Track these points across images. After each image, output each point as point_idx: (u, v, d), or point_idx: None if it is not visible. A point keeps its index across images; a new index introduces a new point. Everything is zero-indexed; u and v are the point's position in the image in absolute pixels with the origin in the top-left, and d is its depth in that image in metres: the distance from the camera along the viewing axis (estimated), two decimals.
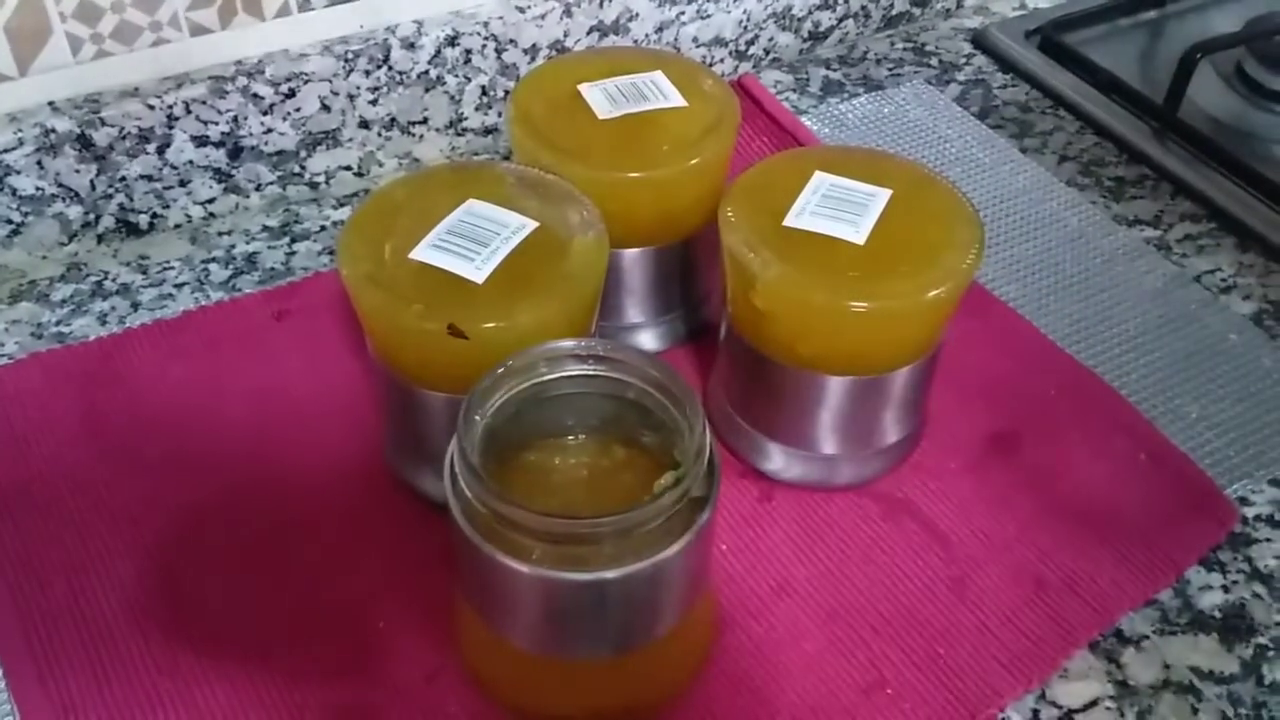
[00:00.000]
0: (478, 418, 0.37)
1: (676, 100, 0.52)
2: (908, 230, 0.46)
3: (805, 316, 0.44)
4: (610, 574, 0.36)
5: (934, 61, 0.76)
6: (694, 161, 0.49)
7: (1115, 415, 0.53)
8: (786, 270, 0.44)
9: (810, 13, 0.75)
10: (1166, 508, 0.49)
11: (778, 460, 0.49)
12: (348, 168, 0.64)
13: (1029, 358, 0.56)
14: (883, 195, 0.47)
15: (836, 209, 0.46)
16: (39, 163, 0.55)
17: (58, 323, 0.55)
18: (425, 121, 0.65)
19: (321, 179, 0.64)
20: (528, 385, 0.39)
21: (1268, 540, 0.49)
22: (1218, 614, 0.46)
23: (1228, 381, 0.55)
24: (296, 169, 0.63)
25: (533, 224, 0.44)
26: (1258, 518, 0.49)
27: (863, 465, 0.49)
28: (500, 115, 0.68)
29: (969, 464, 0.51)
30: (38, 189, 0.56)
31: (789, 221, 0.46)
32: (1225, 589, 0.47)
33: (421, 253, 0.43)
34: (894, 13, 0.79)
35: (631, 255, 0.51)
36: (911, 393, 0.48)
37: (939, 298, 0.44)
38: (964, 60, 0.76)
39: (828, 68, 0.75)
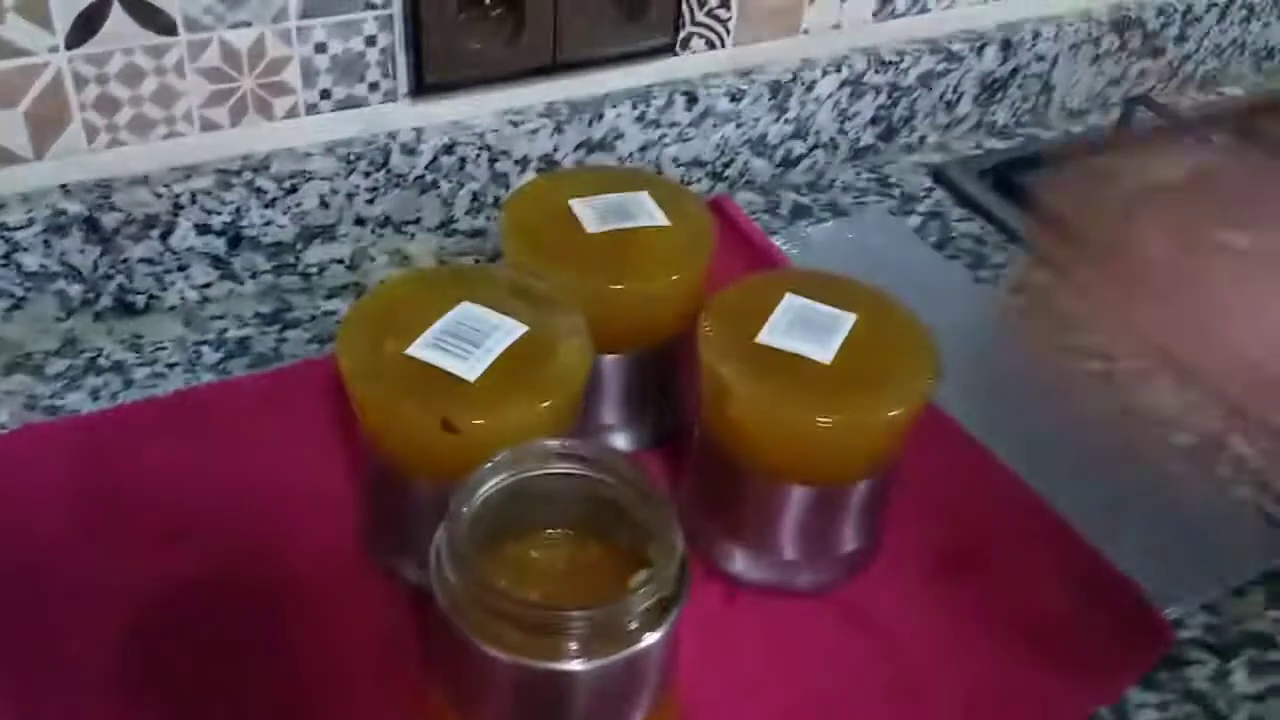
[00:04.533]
0: (466, 509, 0.39)
1: (660, 219, 0.55)
2: (870, 352, 0.49)
3: (774, 428, 0.47)
4: (582, 666, 0.38)
5: (896, 193, 0.81)
6: (674, 277, 0.53)
7: (1059, 538, 0.55)
8: (758, 385, 0.47)
9: (783, 141, 0.80)
10: (1107, 628, 0.51)
11: (741, 563, 0.52)
12: (340, 261, 0.67)
13: (980, 478, 0.58)
14: (848, 319, 0.50)
15: (806, 330, 0.50)
16: (46, 241, 0.57)
17: (51, 395, 0.57)
18: (418, 221, 0.69)
19: (314, 270, 0.66)
20: (513, 480, 0.41)
21: (1199, 662, 0.51)
22: None
23: (1165, 509, 0.58)
24: (291, 260, 0.65)
25: (522, 328, 0.47)
26: (1191, 640, 0.52)
27: (821, 572, 0.52)
28: (489, 219, 0.71)
29: (923, 577, 0.53)
30: (42, 266, 0.58)
31: (762, 339, 0.49)
32: (1161, 707, 0.49)
33: (418, 350, 0.45)
34: (860, 145, 0.84)
35: (611, 361, 0.54)
36: (870, 505, 0.51)
37: (898, 416, 0.47)
38: (923, 193, 0.81)
39: (798, 192, 0.80)
